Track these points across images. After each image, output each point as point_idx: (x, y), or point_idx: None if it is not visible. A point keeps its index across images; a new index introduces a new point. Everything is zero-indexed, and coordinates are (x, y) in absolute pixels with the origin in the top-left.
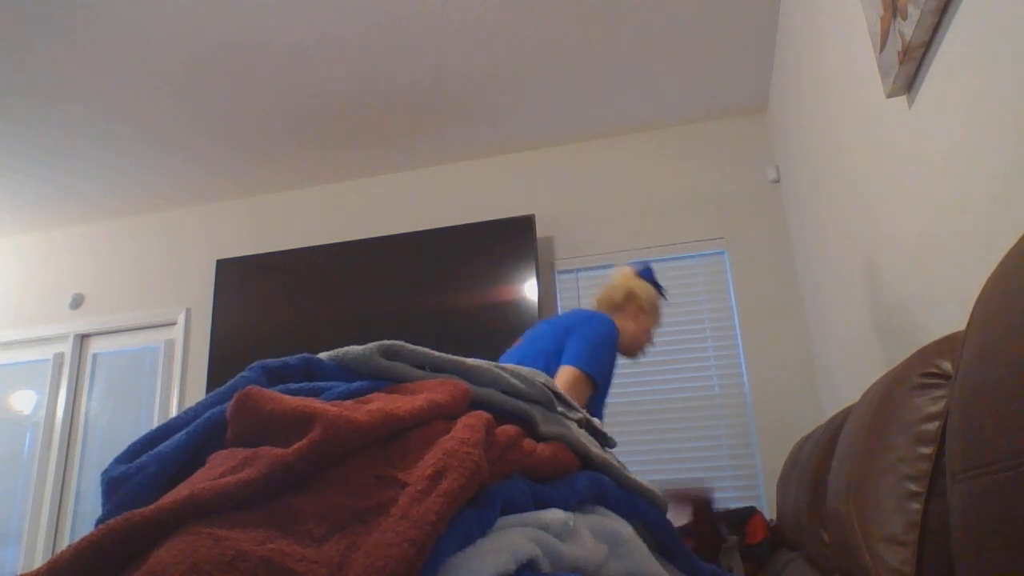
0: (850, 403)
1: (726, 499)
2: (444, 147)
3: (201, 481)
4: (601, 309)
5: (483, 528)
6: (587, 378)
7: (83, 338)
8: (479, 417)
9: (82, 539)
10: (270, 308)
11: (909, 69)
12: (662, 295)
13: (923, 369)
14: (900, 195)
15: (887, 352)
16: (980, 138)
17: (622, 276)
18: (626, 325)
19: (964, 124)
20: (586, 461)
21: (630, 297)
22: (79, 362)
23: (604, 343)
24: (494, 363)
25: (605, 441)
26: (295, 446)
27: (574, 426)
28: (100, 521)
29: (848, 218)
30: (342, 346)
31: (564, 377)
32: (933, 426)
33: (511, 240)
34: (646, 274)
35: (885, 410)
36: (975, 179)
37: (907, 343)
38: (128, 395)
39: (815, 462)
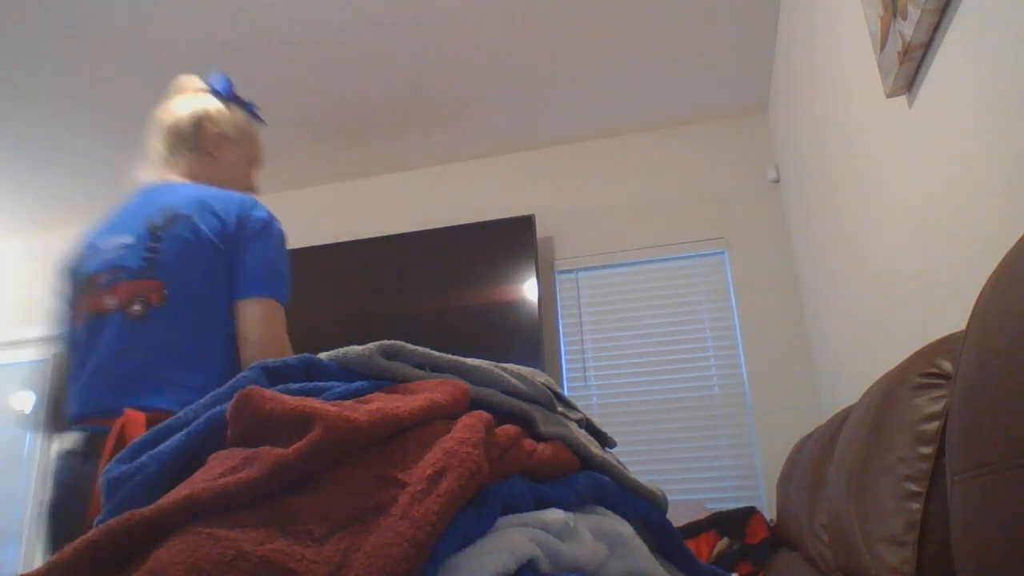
0: (850, 403)
1: (726, 499)
2: (443, 147)
3: (201, 481)
4: (171, 155)
5: (483, 528)
6: (280, 306)
7: None
8: (479, 417)
9: (82, 539)
10: None
11: (909, 69)
12: (253, 114)
13: (923, 369)
14: (900, 195)
15: (887, 352)
16: (980, 138)
17: (184, 98)
18: (207, 167)
19: (964, 124)
20: (586, 461)
21: (203, 124)
22: None
23: (280, 246)
24: (494, 363)
25: (605, 441)
26: (295, 446)
27: (574, 426)
28: (100, 521)
29: (848, 218)
30: (342, 346)
31: (260, 315)
32: (933, 426)
33: (511, 240)
34: (222, 88)
35: (885, 410)
36: (975, 179)
37: (907, 343)
38: None
39: (815, 462)
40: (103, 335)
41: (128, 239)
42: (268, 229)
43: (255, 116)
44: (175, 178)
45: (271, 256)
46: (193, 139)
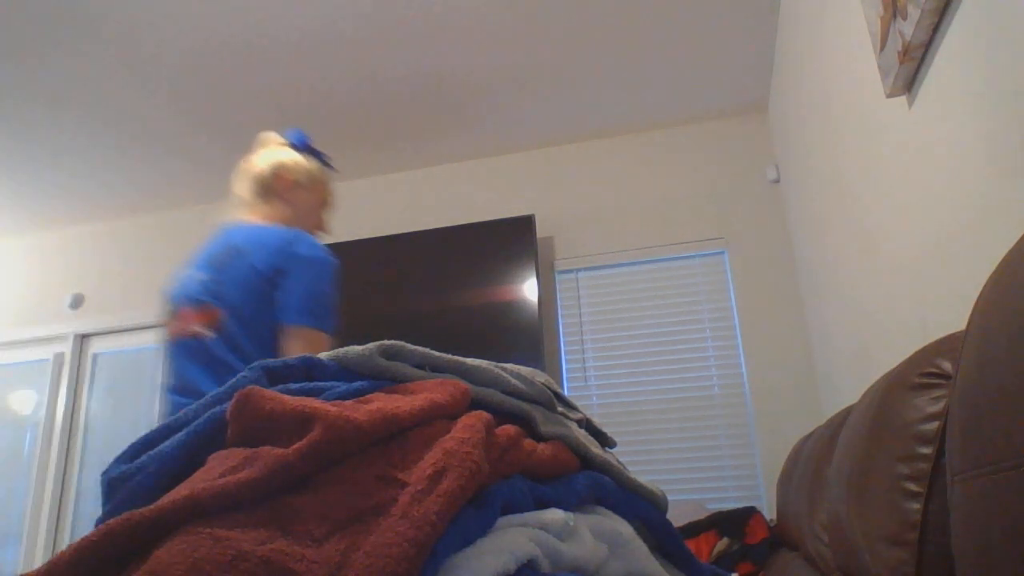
0: (850, 403)
1: (726, 499)
2: (444, 147)
3: (201, 481)
4: (253, 200)
5: (483, 528)
6: (319, 332)
7: (83, 338)
8: (479, 417)
9: (82, 539)
10: None
11: (909, 69)
12: (324, 163)
13: (923, 369)
14: (900, 195)
15: (887, 352)
16: (980, 138)
17: (266, 151)
18: (282, 210)
19: (964, 124)
20: (586, 461)
21: (279, 173)
22: (79, 362)
23: (322, 278)
24: (494, 363)
25: (605, 441)
26: (295, 446)
27: (574, 426)
28: (100, 521)
29: (848, 218)
30: (342, 346)
31: (296, 343)
32: (933, 426)
33: (511, 240)
34: (297, 141)
35: (885, 410)
36: (975, 179)
37: (907, 343)
38: (128, 395)
39: (815, 462)
40: (178, 356)
41: (201, 274)
42: (310, 262)
43: (327, 165)
44: (254, 219)
45: (311, 288)
46: (271, 186)
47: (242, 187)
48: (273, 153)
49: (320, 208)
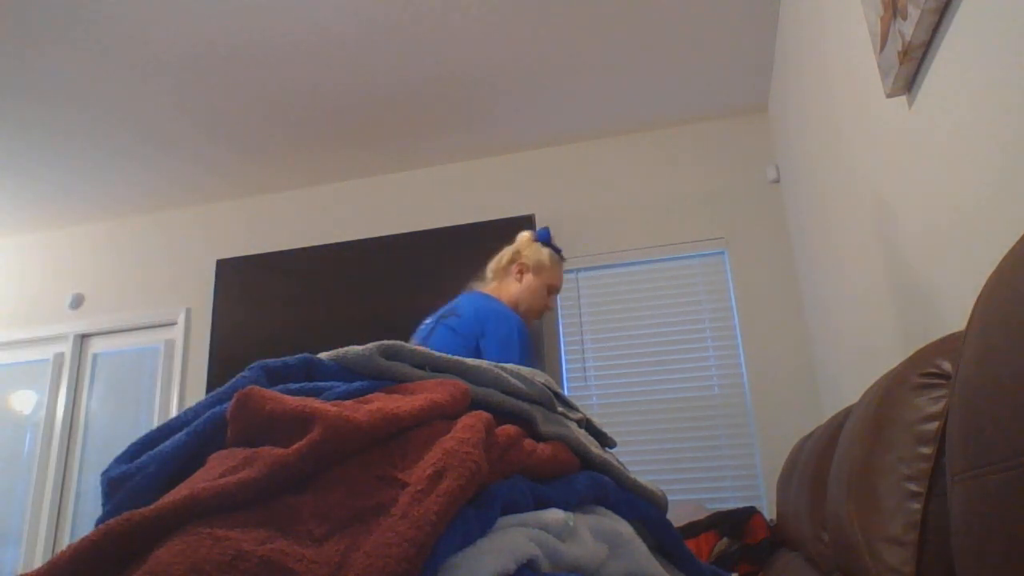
0: (850, 403)
1: (726, 499)
2: (444, 147)
3: (201, 481)
4: (492, 276)
5: (483, 528)
6: None
7: (83, 338)
8: (479, 417)
9: (82, 539)
10: (270, 308)
11: (909, 69)
12: (560, 256)
13: (923, 369)
14: (900, 195)
15: (887, 352)
16: (980, 138)
17: (517, 240)
18: (510, 287)
19: (964, 124)
20: (586, 461)
21: (514, 258)
22: (79, 362)
23: (512, 340)
24: (494, 363)
25: (605, 441)
26: (295, 446)
27: (574, 426)
28: (100, 521)
29: (848, 218)
30: (342, 346)
31: None
32: (933, 426)
33: (511, 240)
34: (541, 236)
35: (885, 410)
36: (975, 179)
37: (907, 343)
38: (128, 395)
39: (815, 462)
40: None
41: (430, 320)
42: (508, 341)
43: (560, 256)
44: (488, 291)
45: (507, 359)
46: (507, 268)
47: (489, 266)
48: (519, 243)
49: (546, 292)
